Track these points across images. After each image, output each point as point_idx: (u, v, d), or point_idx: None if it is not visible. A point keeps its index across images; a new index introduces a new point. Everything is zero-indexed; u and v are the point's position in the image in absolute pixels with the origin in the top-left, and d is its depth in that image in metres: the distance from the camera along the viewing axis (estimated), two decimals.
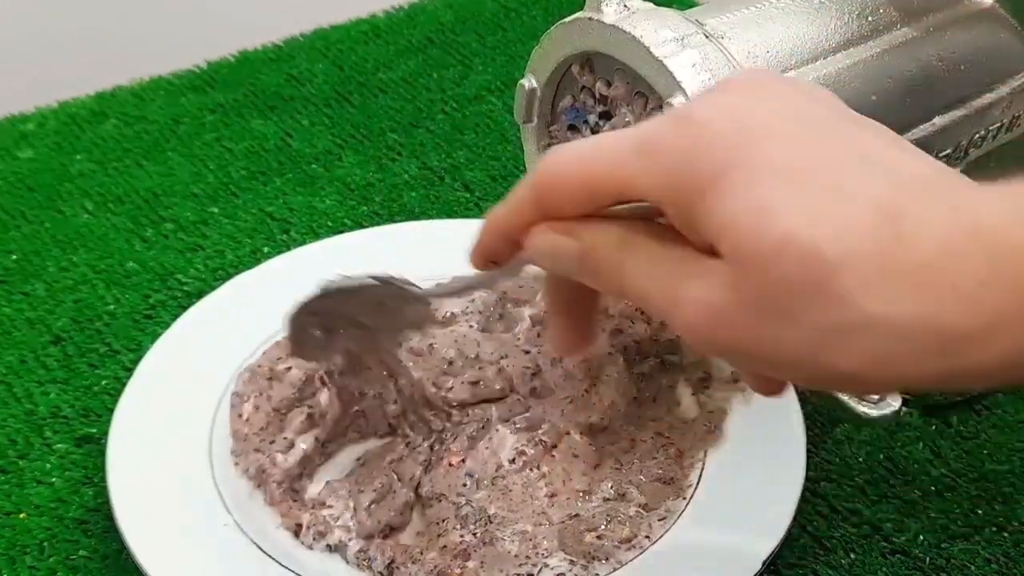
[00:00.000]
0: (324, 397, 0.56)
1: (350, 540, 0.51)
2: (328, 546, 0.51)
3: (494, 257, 0.40)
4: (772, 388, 0.39)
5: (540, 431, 0.55)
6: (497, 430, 0.55)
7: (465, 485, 0.53)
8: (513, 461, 0.54)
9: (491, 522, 0.52)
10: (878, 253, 0.30)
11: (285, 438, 0.55)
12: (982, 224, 0.31)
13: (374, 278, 0.48)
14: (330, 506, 0.53)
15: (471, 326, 0.61)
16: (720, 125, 0.33)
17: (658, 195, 0.34)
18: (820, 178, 0.31)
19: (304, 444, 0.54)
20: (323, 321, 0.51)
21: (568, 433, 0.55)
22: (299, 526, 0.52)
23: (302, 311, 0.49)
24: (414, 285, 0.47)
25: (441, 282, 0.46)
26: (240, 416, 0.57)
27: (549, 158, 0.36)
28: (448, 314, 0.61)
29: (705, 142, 0.33)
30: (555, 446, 0.55)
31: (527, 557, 0.51)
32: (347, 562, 0.51)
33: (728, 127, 0.33)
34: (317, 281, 0.48)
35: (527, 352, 0.58)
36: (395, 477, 0.53)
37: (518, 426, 0.55)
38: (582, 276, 0.37)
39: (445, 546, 0.51)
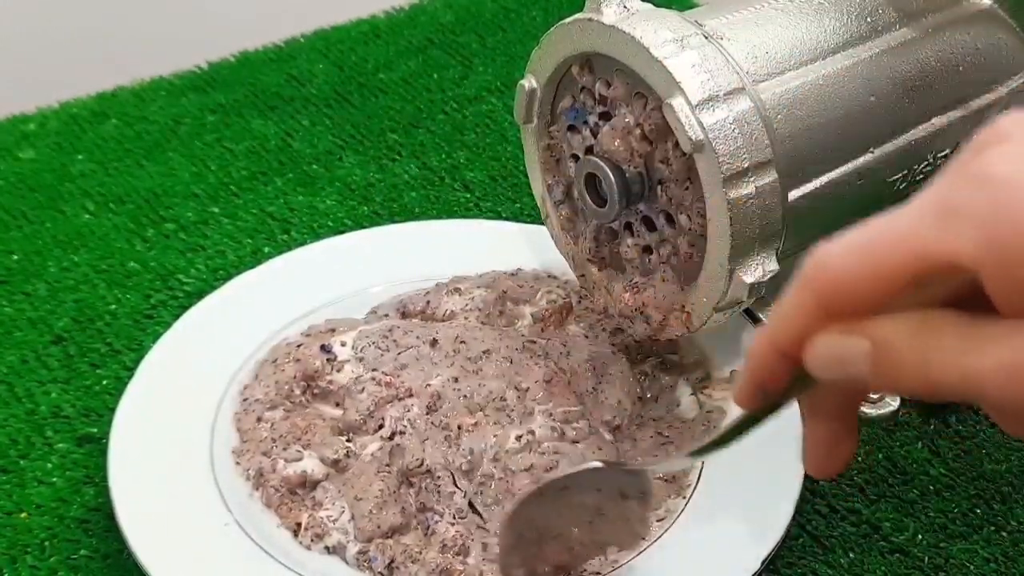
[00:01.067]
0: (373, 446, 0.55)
1: (348, 542, 0.52)
2: (327, 547, 0.52)
3: (767, 382, 0.37)
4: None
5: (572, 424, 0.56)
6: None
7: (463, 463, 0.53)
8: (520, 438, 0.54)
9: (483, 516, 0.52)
10: None
11: (297, 450, 0.55)
12: None
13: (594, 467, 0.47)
14: (327, 508, 0.53)
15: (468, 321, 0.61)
16: (1015, 175, 0.31)
17: (974, 256, 0.30)
18: None
19: (311, 466, 0.54)
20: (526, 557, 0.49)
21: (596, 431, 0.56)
22: (299, 525, 0.52)
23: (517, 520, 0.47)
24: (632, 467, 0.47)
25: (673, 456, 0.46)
26: (251, 415, 0.57)
27: (822, 251, 0.33)
28: (448, 311, 0.62)
29: (1012, 196, 0.30)
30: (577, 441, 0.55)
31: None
32: (347, 563, 0.51)
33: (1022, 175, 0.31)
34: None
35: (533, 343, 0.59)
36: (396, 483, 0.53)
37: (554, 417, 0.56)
38: (877, 377, 0.33)
39: (444, 543, 0.51)
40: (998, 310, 0.31)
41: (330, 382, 0.57)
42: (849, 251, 0.33)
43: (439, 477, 0.53)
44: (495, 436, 0.54)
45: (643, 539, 0.51)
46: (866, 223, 0.33)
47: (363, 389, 0.56)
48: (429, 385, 0.56)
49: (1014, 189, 0.30)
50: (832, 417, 0.38)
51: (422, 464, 0.53)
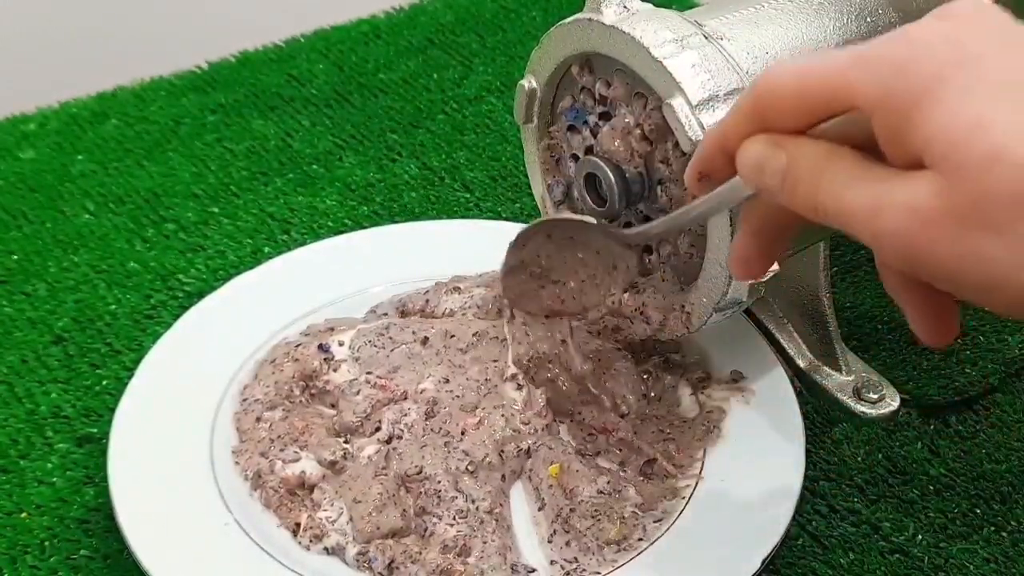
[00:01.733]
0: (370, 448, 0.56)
1: (347, 543, 0.51)
2: (326, 548, 0.51)
3: (709, 170, 0.41)
4: (942, 334, 0.39)
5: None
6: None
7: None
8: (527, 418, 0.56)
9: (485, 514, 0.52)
10: None
11: (295, 451, 0.55)
12: None
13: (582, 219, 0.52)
14: (326, 509, 0.53)
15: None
16: (935, 41, 0.34)
17: (871, 103, 0.35)
18: None
19: (309, 467, 0.54)
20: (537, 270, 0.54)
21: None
22: (298, 526, 0.52)
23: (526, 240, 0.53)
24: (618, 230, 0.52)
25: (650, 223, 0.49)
26: (251, 415, 0.57)
27: (770, 70, 0.38)
28: (448, 310, 0.62)
29: (920, 55, 0.34)
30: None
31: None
32: (347, 564, 0.51)
33: (942, 44, 0.34)
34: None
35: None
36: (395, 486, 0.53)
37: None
38: (782, 193, 0.37)
39: (445, 544, 0.51)
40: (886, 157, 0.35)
41: (327, 382, 0.58)
42: (789, 72, 0.37)
43: (439, 482, 0.53)
44: (501, 424, 0.55)
45: (608, 299, 0.55)
46: (820, 52, 0.38)
47: (359, 392, 0.56)
48: (424, 390, 0.56)
49: (921, 49, 0.34)
50: (760, 228, 0.42)
51: (421, 471, 0.53)
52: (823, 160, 0.36)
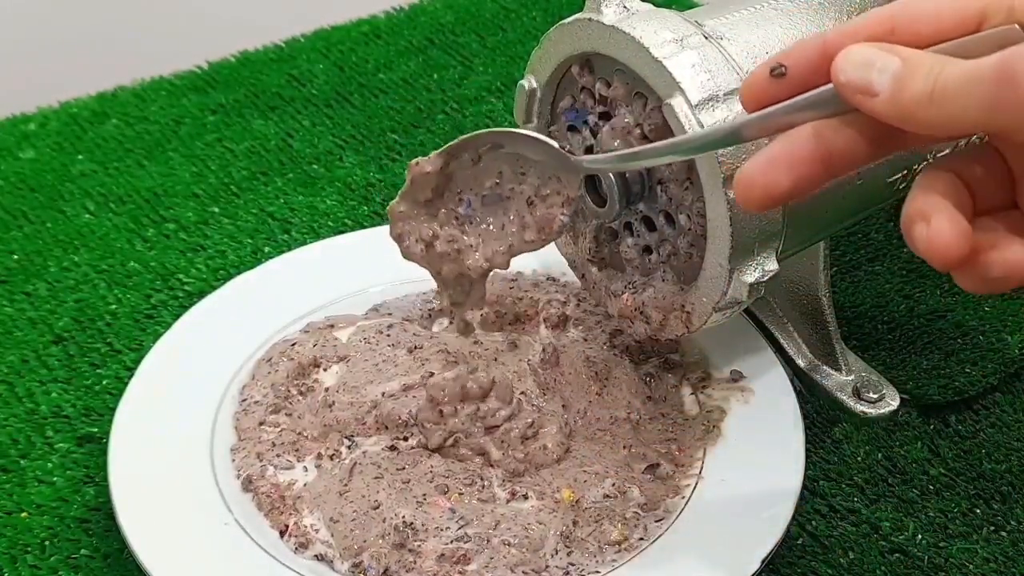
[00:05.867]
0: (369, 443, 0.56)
1: (335, 557, 0.51)
2: (317, 556, 0.51)
3: (793, 64, 0.38)
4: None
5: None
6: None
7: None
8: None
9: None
10: None
11: (288, 460, 0.55)
12: None
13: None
14: (307, 518, 0.52)
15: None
16: None
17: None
18: None
19: (296, 476, 0.54)
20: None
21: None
22: (286, 527, 0.52)
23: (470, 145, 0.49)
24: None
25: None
26: (250, 415, 0.57)
27: None
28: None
29: None
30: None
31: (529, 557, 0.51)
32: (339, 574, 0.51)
33: None
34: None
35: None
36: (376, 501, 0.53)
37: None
38: (887, 94, 0.35)
39: (443, 554, 0.50)
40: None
41: (316, 381, 0.58)
42: None
43: (401, 516, 0.52)
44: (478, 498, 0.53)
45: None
46: None
47: (332, 404, 0.57)
48: (398, 416, 0.56)
49: None
50: (813, 155, 0.38)
51: (403, 520, 0.52)
52: (940, 61, 0.35)
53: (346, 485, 0.53)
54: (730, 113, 0.49)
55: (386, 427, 0.55)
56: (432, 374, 0.56)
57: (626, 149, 0.48)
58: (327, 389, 0.58)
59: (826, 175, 0.38)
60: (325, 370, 0.59)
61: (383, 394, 0.56)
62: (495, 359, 0.58)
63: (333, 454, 0.55)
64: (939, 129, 0.35)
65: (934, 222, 0.36)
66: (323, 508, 0.52)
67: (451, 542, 0.50)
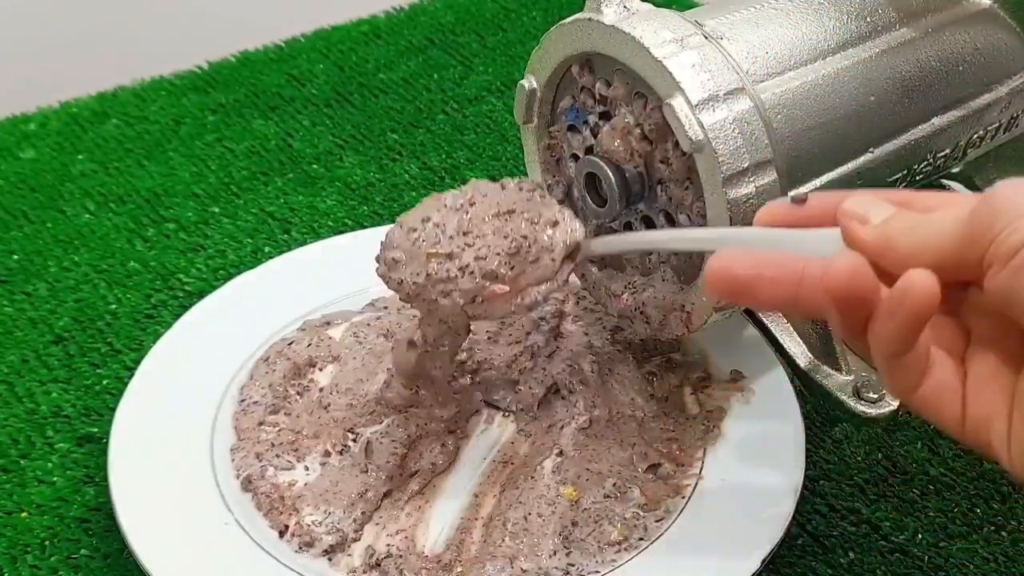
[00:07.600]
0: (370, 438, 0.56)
1: (348, 537, 0.52)
2: (325, 551, 0.51)
3: (806, 210, 0.41)
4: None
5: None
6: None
7: None
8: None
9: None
10: None
11: (288, 460, 0.55)
12: None
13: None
14: (311, 513, 0.52)
15: None
16: None
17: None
18: None
19: (296, 477, 0.54)
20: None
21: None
22: (286, 527, 0.52)
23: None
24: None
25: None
26: (249, 415, 0.57)
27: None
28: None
29: None
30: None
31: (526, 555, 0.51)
32: (353, 559, 0.51)
33: None
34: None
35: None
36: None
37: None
38: (873, 233, 0.38)
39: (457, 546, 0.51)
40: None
41: (311, 380, 0.58)
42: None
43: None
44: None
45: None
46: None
47: (328, 406, 0.57)
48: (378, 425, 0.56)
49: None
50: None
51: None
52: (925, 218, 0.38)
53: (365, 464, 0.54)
54: (730, 113, 0.49)
55: (386, 414, 0.56)
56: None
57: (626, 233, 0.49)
58: (321, 389, 0.58)
59: (794, 303, 0.40)
60: (320, 370, 0.59)
61: (375, 390, 0.57)
62: (487, 338, 0.59)
63: (342, 449, 0.55)
64: (914, 260, 0.37)
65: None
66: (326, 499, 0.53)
67: None
